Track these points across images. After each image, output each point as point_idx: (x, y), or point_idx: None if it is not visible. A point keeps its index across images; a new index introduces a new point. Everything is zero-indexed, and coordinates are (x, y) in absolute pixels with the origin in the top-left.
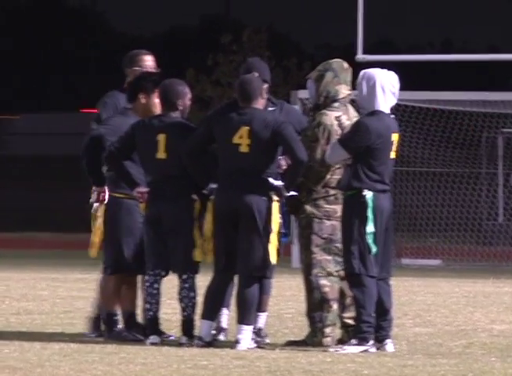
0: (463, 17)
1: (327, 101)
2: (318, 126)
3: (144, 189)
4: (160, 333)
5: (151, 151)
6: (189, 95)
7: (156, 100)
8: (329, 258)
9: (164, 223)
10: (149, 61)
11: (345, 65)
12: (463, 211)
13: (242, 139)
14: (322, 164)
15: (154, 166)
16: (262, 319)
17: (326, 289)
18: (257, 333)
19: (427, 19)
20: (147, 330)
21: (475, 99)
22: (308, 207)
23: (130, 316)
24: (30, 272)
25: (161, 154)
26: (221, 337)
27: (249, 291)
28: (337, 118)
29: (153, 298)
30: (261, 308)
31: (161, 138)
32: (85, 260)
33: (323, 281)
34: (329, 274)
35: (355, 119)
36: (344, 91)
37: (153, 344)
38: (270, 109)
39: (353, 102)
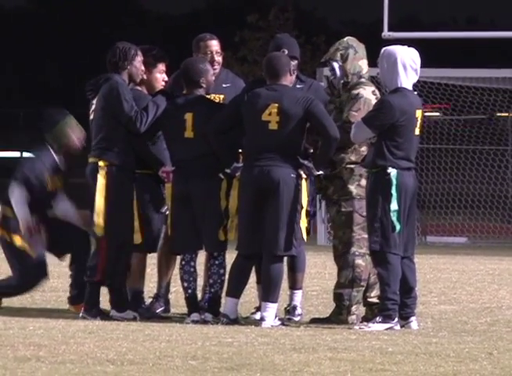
0: None
1: (355, 78)
2: (357, 98)
3: (169, 169)
4: (199, 310)
5: (178, 130)
6: (211, 72)
7: (158, 75)
8: (367, 236)
9: (192, 202)
10: (214, 46)
11: (357, 40)
12: (489, 188)
13: (271, 116)
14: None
15: (182, 145)
16: (298, 296)
17: (361, 269)
18: (292, 311)
19: None
20: (187, 308)
21: (502, 76)
22: (351, 187)
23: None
24: None
25: (189, 133)
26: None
27: (274, 269)
28: (373, 92)
29: (191, 276)
30: (296, 285)
31: (188, 117)
32: None
33: (359, 261)
34: (365, 254)
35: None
36: (365, 66)
37: (194, 322)
38: (298, 86)
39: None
